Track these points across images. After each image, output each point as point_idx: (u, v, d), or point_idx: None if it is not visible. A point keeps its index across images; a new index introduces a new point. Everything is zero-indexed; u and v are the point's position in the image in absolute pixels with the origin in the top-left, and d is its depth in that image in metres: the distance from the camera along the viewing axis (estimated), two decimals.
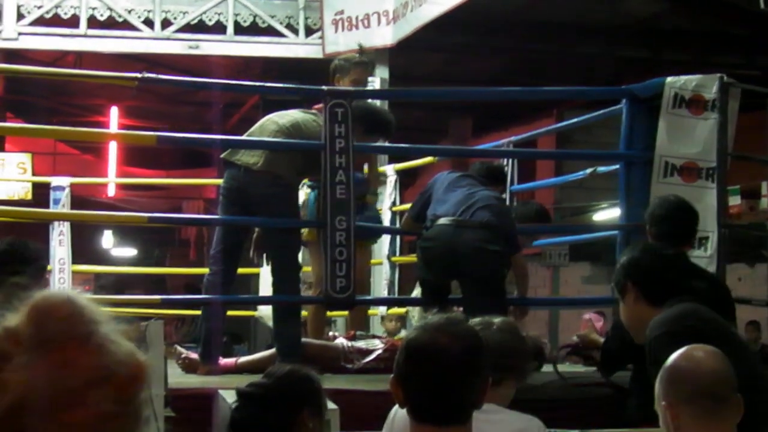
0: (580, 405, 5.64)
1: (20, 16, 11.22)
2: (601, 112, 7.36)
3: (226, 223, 6.73)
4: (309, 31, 11.65)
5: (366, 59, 7.30)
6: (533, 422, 3.56)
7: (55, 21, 11.43)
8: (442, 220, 6.03)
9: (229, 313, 8.82)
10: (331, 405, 4.64)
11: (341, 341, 6.86)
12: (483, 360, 2.62)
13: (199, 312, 7.08)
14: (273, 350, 6.56)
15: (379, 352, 6.67)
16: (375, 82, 10.97)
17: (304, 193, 7.28)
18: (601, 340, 5.75)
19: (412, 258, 8.76)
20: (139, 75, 6.45)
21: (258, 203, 6.40)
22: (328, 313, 8.16)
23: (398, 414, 3.34)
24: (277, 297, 6.66)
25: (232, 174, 6.55)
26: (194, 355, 6.54)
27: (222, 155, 6.62)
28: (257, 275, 8.84)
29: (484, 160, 7.46)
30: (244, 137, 6.72)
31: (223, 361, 6.56)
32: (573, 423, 4.62)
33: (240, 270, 6.95)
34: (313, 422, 3.36)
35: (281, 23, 11.57)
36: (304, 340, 6.88)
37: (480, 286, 5.92)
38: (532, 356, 3.88)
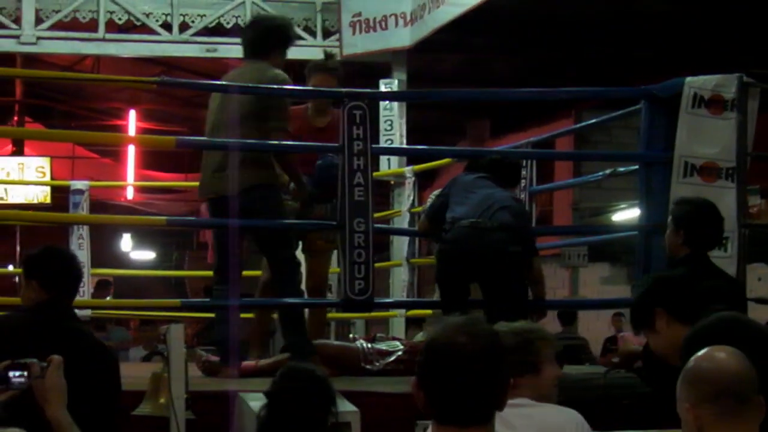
0: (601, 406, 5.62)
1: (39, 21, 11.25)
2: (620, 112, 7.35)
3: (243, 226, 6.75)
4: (326, 34, 11.67)
5: (331, 65, 7.15)
6: (571, 415, 3.52)
7: (74, 25, 11.46)
8: (462, 223, 6.01)
9: (249, 315, 8.83)
10: (351, 407, 4.65)
11: (361, 343, 6.85)
12: (503, 360, 2.61)
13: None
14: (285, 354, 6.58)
15: (399, 353, 6.65)
16: (393, 84, 10.99)
17: None
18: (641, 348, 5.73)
19: (430, 260, 8.75)
20: (158, 78, 6.46)
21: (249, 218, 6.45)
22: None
23: None
24: (294, 301, 6.66)
25: (214, 206, 6.61)
26: (215, 358, 6.55)
27: (198, 196, 6.69)
28: None
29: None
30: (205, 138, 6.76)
31: (244, 363, 6.56)
32: (596, 424, 4.60)
33: (258, 273, 6.97)
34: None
35: (299, 26, 11.57)
36: (322, 341, 6.89)
37: (500, 288, 5.90)
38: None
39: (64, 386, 3.28)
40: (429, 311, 8.95)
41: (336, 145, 6.18)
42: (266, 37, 6.81)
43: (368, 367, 6.61)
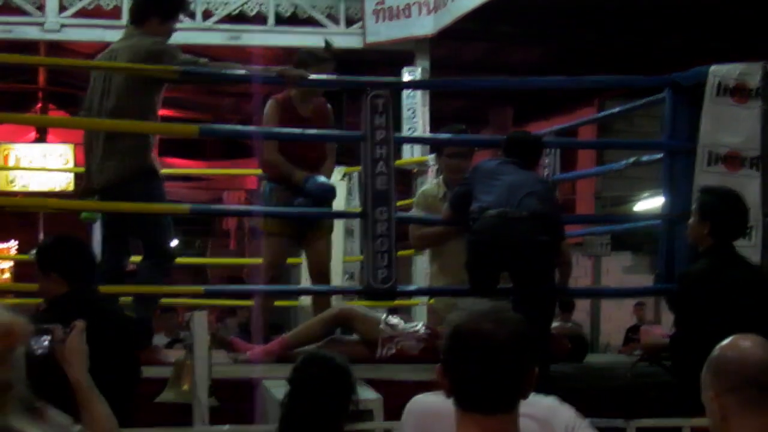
0: (623, 394, 5.63)
1: (62, 8, 11.26)
2: (643, 101, 7.33)
3: (269, 214, 6.78)
4: (350, 22, 11.65)
5: (330, 57, 6.98)
6: (554, 401, 3.49)
7: (97, 12, 11.47)
8: (489, 213, 5.90)
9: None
10: (375, 394, 4.66)
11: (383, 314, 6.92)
12: (529, 348, 2.61)
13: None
14: (312, 321, 6.58)
15: (420, 330, 6.60)
16: (416, 72, 10.97)
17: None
18: (665, 340, 5.72)
19: None
20: (179, 68, 6.48)
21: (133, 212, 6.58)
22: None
23: (415, 406, 3.24)
24: (317, 287, 6.67)
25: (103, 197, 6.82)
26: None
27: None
28: (299, 265, 8.86)
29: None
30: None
31: (266, 345, 6.52)
32: (616, 413, 4.60)
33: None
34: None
35: (322, 13, 11.57)
36: (348, 305, 6.95)
37: (530, 278, 5.83)
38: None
39: (86, 350, 3.42)
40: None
41: (358, 133, 6.18)
42: (143, 4, 6.78)
43: (387, 329, 6.54)
